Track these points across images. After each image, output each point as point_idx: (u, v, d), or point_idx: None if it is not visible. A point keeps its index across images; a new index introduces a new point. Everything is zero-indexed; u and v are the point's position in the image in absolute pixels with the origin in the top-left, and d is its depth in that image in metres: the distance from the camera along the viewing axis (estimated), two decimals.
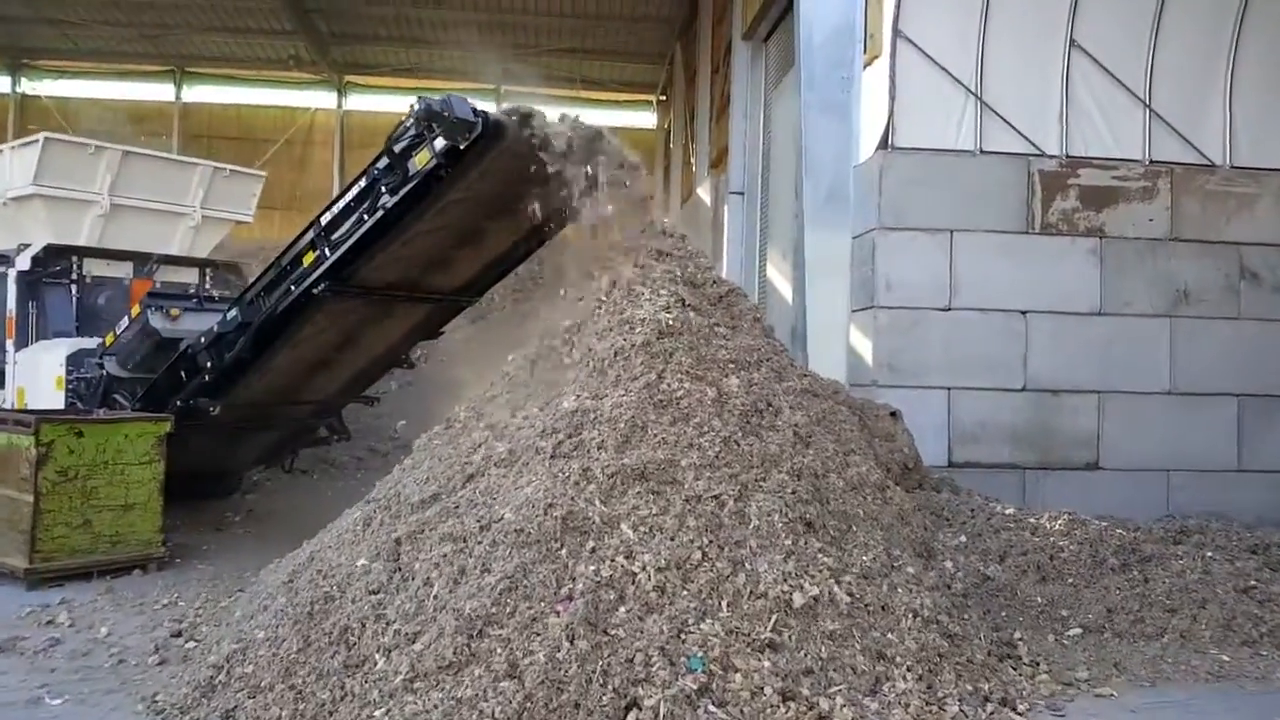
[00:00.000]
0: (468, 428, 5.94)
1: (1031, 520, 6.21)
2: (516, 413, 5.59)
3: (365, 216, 6.58)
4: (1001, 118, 9.50)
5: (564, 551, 4.51)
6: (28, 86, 25.63)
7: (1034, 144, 9.51)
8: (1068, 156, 9.44)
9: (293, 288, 7.04)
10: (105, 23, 22.35)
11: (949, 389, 9.17)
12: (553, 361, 5.83)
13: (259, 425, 8.57)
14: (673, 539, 4.58)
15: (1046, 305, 9.26)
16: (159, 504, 7.66)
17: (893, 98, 9.39)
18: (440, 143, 6.12)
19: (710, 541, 4.61)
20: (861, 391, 8.64)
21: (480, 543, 4.68)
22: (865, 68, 10.11)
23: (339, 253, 6.75)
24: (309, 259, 6.95)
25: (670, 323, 5.61)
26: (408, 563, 4.96)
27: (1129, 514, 8.19)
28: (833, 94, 10.53)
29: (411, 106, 5.99)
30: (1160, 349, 9.27)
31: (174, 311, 8.06)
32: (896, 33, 9.43)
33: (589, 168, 6.02)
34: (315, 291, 6.90)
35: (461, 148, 6.06)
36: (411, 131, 6.09)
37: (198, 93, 26.38)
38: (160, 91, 26.16)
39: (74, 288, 9.68)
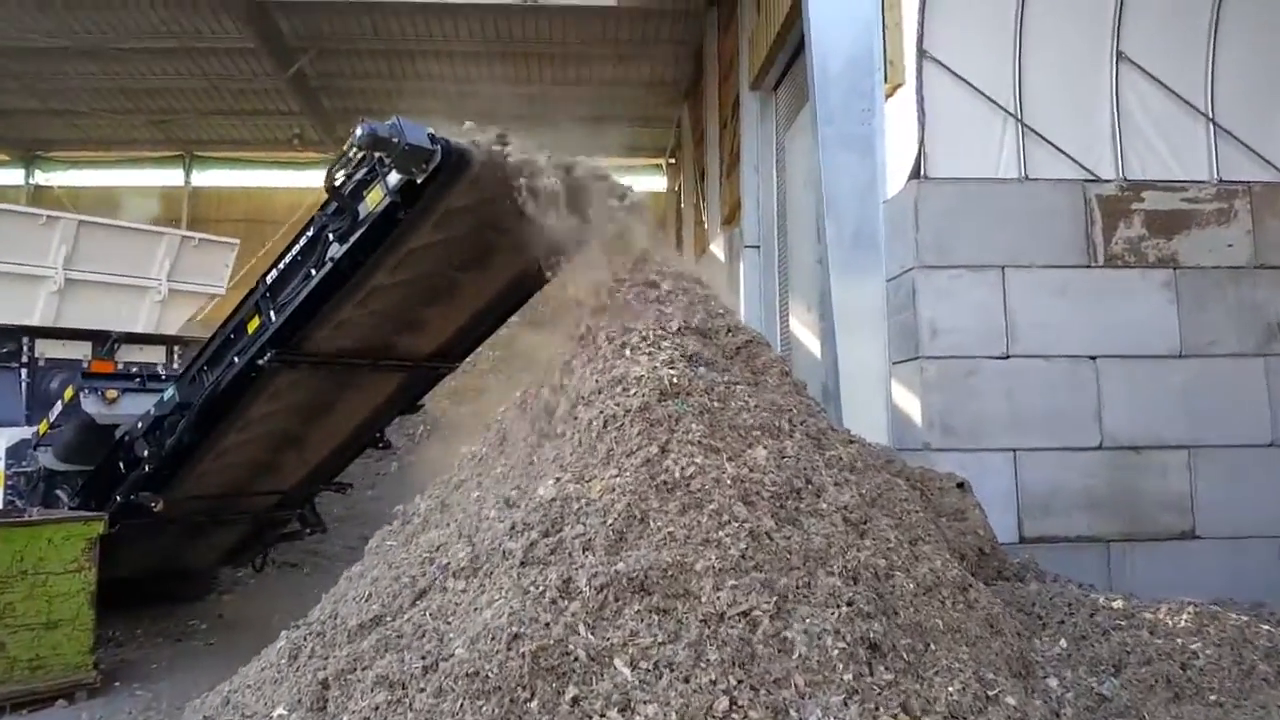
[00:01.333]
0: (428, 523, 4.61)
1: (1147, 615, 4.76)
2: (485, 503, 4.26)
3: (313, 271, 5.35)
4: (1046, 140, 8.21)
5: (534, 704, 3.12)
6: (41, 178, 25.03)
7: (1085, 167, 8.20)
8: (1126, 180, 8.12)
9: (236, 359, 5.77)
10: (113, 111, 21.64)
11: (1014, 450, 7.72)
12: (530, 435, 4.52)
13: (215, 520, 7.24)
14: (687, 680, 3.16)
15: (1118, 349, 7.81)
16: (90, 620, 6.28)
17: (922, 124, 8.14)
18: (394, 177, 4.89)
19: (740, 682, 3.18)
20: (910, 458, 7.24)
21: (422, 690, 3.31)
22: (887, 98, 8.92)
23: (285, 315, 5.50)
24: (253, 325, 5.70)
25: (674, 380, 4.29)
26: (335, 713, 3.60)
27: (1234, 591, 6.69)
28: (852, 127, 9.30)
29: (353, 132, 4.77)
30: (1255, 393, 7.78)
31: (110, 394, 6.80)
32: (922, 53, 8.22)
33: (573, 199, 4.80)
34: (261, 363, 5.64)
35: (419, 182, 4.84)
36: (354, 163, 4.87)
37: (207, 176, 25.64)
38: (170, 177, 25.46)
39: (24, 372, 8.45)
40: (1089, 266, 7.97)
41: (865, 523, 4.05)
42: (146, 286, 9.29)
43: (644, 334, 4.45)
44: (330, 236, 5.15)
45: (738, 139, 15.48)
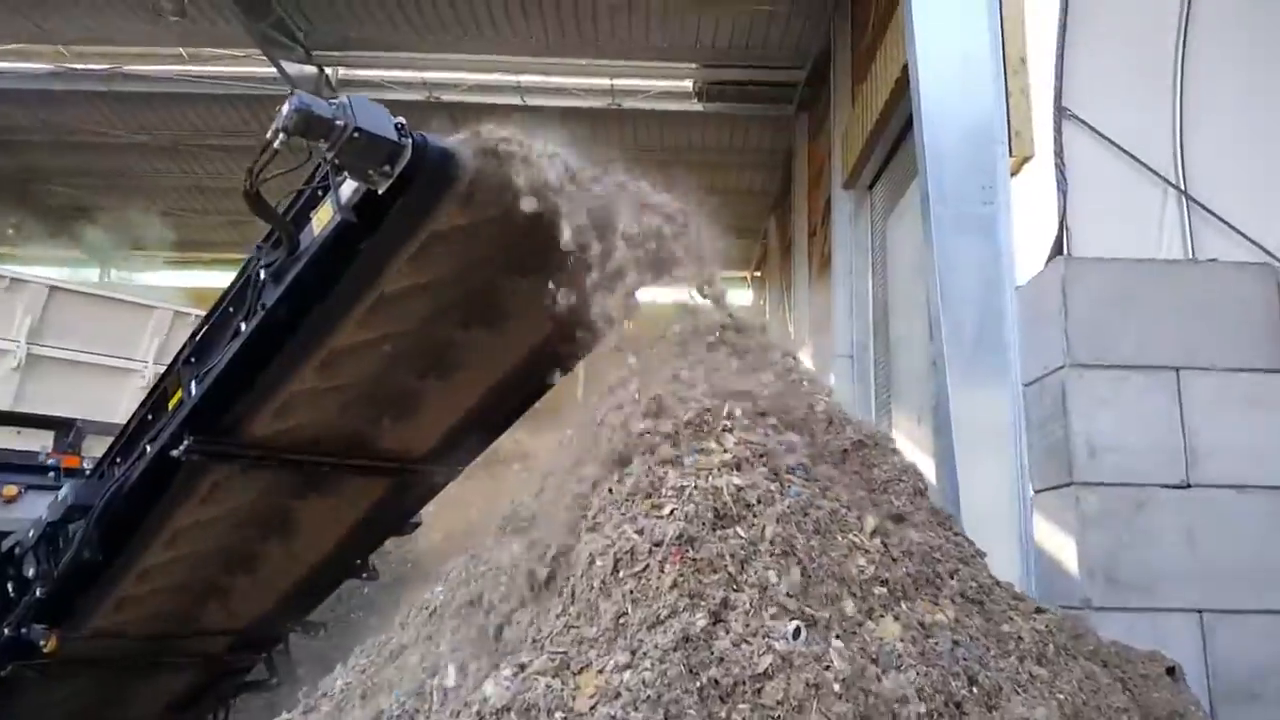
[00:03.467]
0: (340, 710, 2.82)
1: None
2: (408, 697, 2.46)
3: (242, 325, 3.75)
4: (1215, 215, 6.37)
5: None
6: (115, 277, 24.83)
7: (1265, 249, 6.30)
8: None
9: (148, 448, 4.17)
10: (190, 210, 21.38)
11: (1200, 611, 5.57)
12: (510, 584, 2.72)
13: (147, 665, 5.38)
14: None
15: None
16: None
17: (1064, 194, 6.39)
18: (349, 188, 3.31)
19: None
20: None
21: None
22: (1014, 174, 7.19)
23: (206, 388, 3.89)
24: (175, 400, 4.10)
25: (742, 494, 2.50)
26: None
27: None
28: (971, 207, 7.49)
29: (279, 110, 3.20)
30: None
31: (8, 490, 5.22)
32: (1061, 111, 6.53)
33: (601, 219, 3.14)
34: (175, 453, 4.02)
35: (381, 192, 3.24)
36: (283, 153, 3.28)
37: None
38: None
39: None
40: None
41: None
42: (131, 369, 7.75)
43: (693, 413, 2.67)
44: (262, 275, 3.55)
45: (829, 242, 13.93)
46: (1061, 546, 5.83)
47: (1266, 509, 5.71)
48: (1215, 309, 6.00)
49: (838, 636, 2.21)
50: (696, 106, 16.10)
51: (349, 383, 4.03)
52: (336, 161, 3.15)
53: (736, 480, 2.48)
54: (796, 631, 2.14)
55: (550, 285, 3.34)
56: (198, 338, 3.99)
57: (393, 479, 4.78)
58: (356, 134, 3.06)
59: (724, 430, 2.74)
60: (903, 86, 9.42)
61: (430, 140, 3.21)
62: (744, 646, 2.09)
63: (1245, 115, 6.45)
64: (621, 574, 2.30)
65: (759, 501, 2.46)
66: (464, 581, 3.06)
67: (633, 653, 2.11)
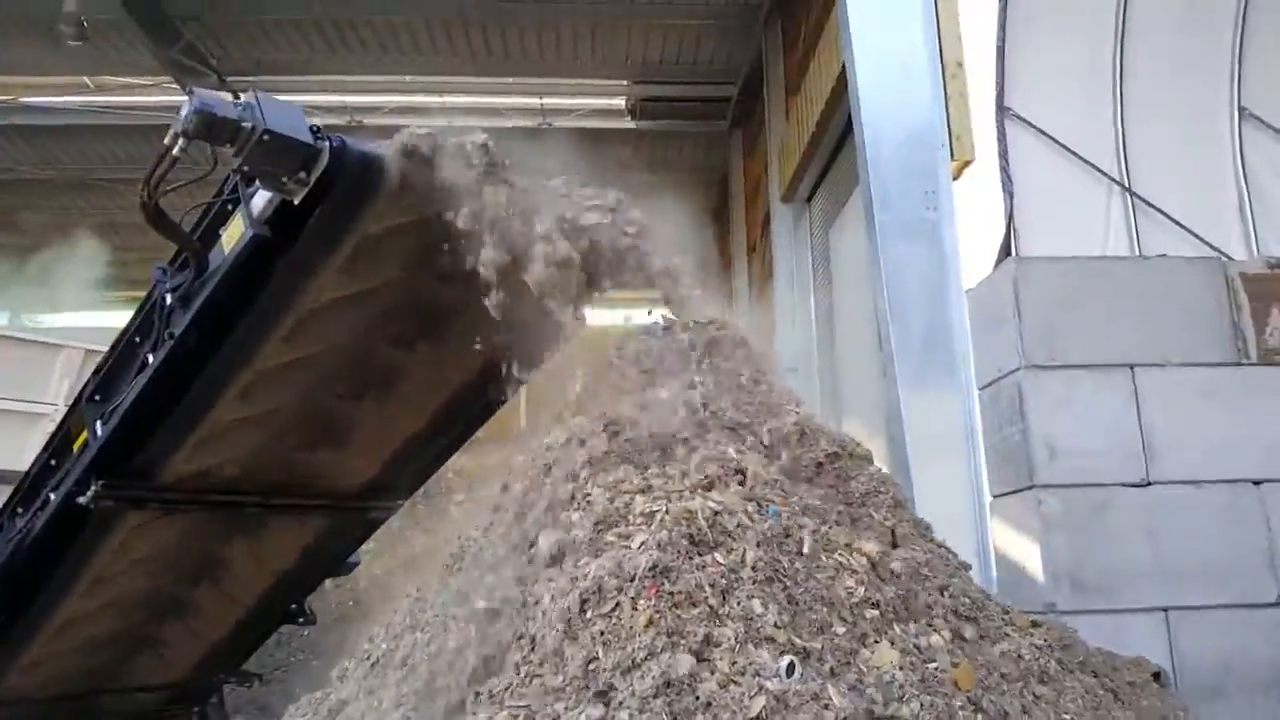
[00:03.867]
0: None
1: None
2: None
3: (149, 357, 3.42)
4: (1160, 211, 6.36)
5: None
6: (26, 320, 23.77)
7: (1208, 243, 6.32)
8: (1276, 256, 6.18)
9: (52, 496, 3.79)
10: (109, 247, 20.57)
11: (1165, 610, 5.48)
12: (453, 632, 2.44)
13: None
14: None
15: None
16: None
17: (1010, 195, 6.34)
18: (260, 199, 3.02)
19: None
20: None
21: None
22: (955, 178, 7.14)
23: (112, 427, 3.54)
24: (80, 442, 3.74)
25: (717, 518, 2.26)
26: None
27: None
28: (914, 213, 7.44)
29: (179, 113, 2.91)
30: None
31: None
32: (1004, 111, 6.49)
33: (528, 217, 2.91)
34: (82, 500, 3.65)
35: (296, 203, 2.96)
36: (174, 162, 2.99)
37: None
38: None
39: None
40: (1239, 364, 5.89)
41: None
42: (39, 412, 7.24)
43: (656, 431, 2.43)
44: (169, 300, 3.23)
45: (769, 257, 13.86)
46: (1024, 551, 5.70)
47: (1224, 502, 5.65)
48: (1166, 305, 5.95)
49: (832, 670, 1.98)
50: (629, 124, 15.93)
51: (272, 415, 3.72)
52: (245, 169, 2.86)
53: (712, 503, 2.25)
54: (790, 667, 1.91)
55: (490, 296, 3.08)
56: (102, 373, 3.63)
57: (326, 519, 4.44)
58: (266, 137, 2.78)
59: (690, 449, 2.51)
60: (837, 97, 9.37)
61: (349, 143, 2.94)
62: (732, 688, 1.85)
63: (1184, 112, 6.49)
64: (589, 614, 2.05)
65: (737, 524, 2.23)
66: (408, 629, 2.77)
67: (607, 703, 1.86)
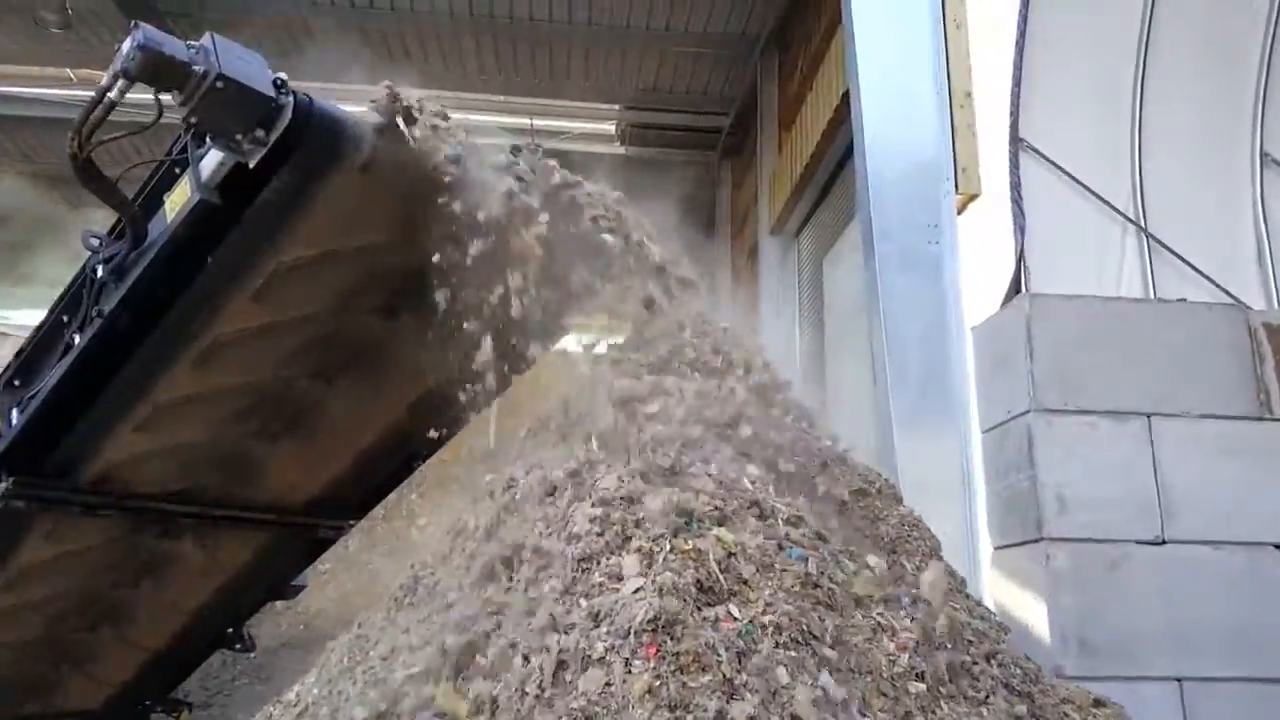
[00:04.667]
0: None
1: None
2: None
3: (75, 338, 2.94)
4: (1176, 255, 6.05)
5: None
6: None
7: (1224, 289, 6.01)
8: None
9: None
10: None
11: (1179, 680, 5.08)
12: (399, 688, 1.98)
13: None
14: None
15: None
16: None
17: (1021, 229, 6.00)
18: (212, 161, 2.58)
19: None
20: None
21: None
22: (959, 211, 6.81)
23: (29, 416, 3.06)
24: None
25: (728, 559, 1.83)
26: None
27: None
28: (917, 246, 7.10)
29: (118, 48, 2.48)
30: None
31: None
32: (1018, 142, 6.17)
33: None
34: None
35: (251, 166, 2.52)
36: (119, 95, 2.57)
37: None
38: None
39: None
40: (1261, 419, 5.54)
41: None
42: None
43: (655, 450, 1.99)
44: (100, 273, 2.77)
45: (756, 286, 13.56)
46: (1028, 609, 5.28)
47: (1242, 566, 5.27)
48: (1185, 352, 5.60)
49: None
50: (619, 149, 15.68)
51: (211, 411, 3.23)
52: (193, 120, 2.43)
53: (720, 545, 1.81)
54: None
55: (465, 294, 2.67)
56: (23, 355, 3.15)
57: (268, 534, 3.93)
58: (220, 84, 2.35)
59: (693, 475, 2.07)
60: (834, 128, 9.09)
61: (318, 102, 2.52)
62: None
63: (1204, 154, 6.20)
64: (569, 678, 1.59)
65: (757, 569, 1.80)
66: (345, 670, 2.30)
67: None
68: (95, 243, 2.87)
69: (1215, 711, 5.06)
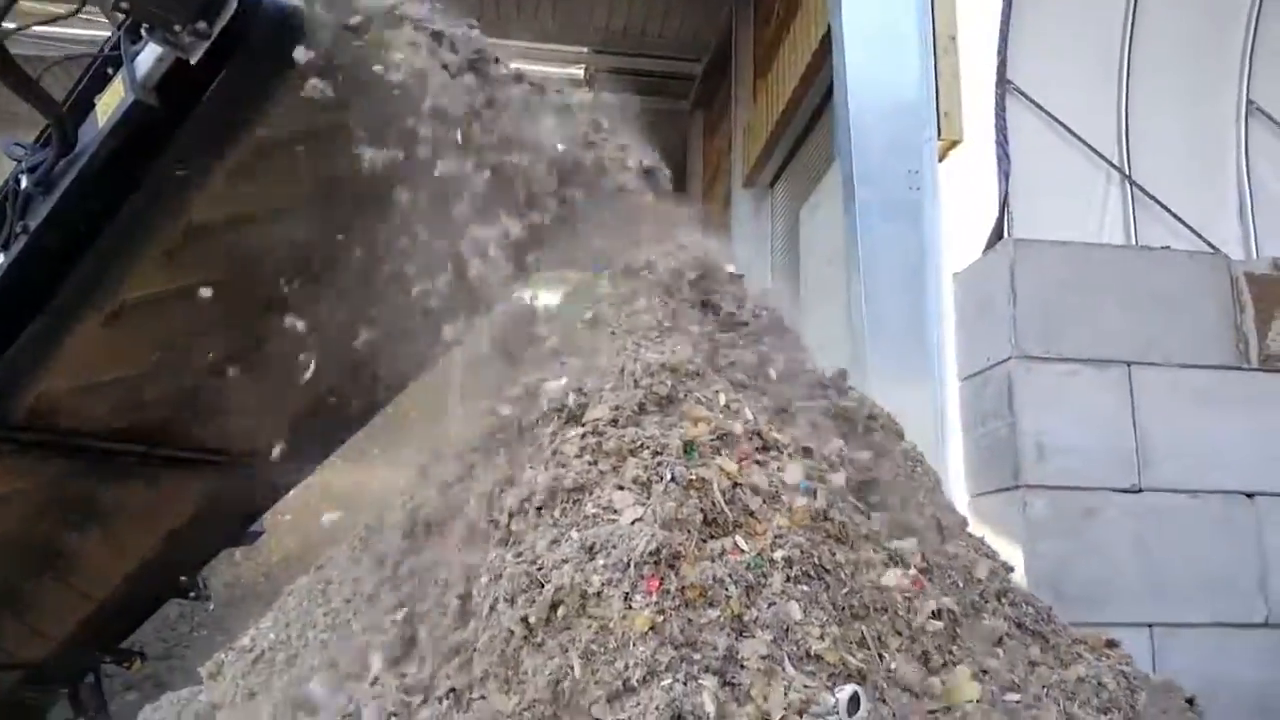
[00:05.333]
0: None
1: None
2: None
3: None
4: (1159, 203, 5.97)
5: None
6: None
7: (1206, 239, 5.96)
8: None
9: None
10: None
11: (1150, 626, 5.08)
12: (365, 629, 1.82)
13: None
14: None
15: None
16: None
17: (1005, 173, 5.88)
18: (149, 57, 2.34)
19: None
20: None
21: None
22: (941, 158, 6.66)
23: None
24: None
25: (734, 488, 1.67)
26: None
27: None
28: (897, 193, 6.96)
29: None
30: None
31: None
32: (1005, 84, 6.02)
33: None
34: None
35: (193, 62, 2.28)
36: None
37: None
38: None
39: None
40: (1240, 368, 5.49)
41: None
42: None
43: (654, 375, 1.82)
44: (24, 184, 2.52)
45: (728, 242, 13.39)
46: (1005, 555, 5.23)
47: (1216, 514, 5.26)
48: (1167, 300, 5.53)
49: (904, 707, 1.41)
50: (587, 95, 15.30)
51: (152, 340, 2.99)
52: (125, 7, 2.17)
53: (729, 469, 1.66)
54: (853, 700, 1.33)
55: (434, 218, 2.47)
56: None
57: (220, 477, 3.70)
58: None
59: (697, 401, 1.91)
60: (812, 74, 8.88)
61: None
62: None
63: (1190, 102, 6.09)
64: (562, 615, 1.44)
65: (764, 500, 1.65)
66: (303, 616, 2.13)
67: None
68: (20, 151, 2.60)
69: (1183, 656, 5.06)
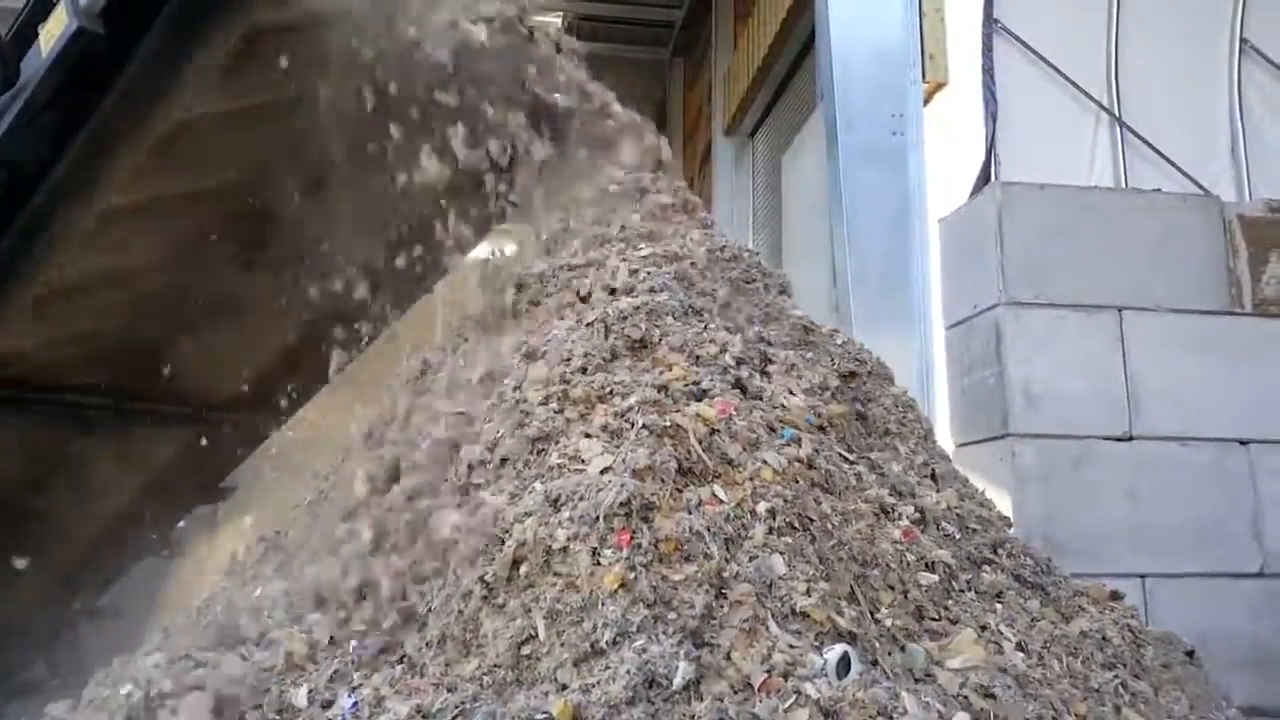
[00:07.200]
0: None
1: None
2: None
3: None
4: (1150, 145, 5.85)
5: None
6: None
7: (1197, 182, 5.86)
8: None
9: None
10: None
11: (1142, 576, 5.03)
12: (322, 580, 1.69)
13: None
14: None
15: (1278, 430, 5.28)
16: None
17: (993, 115, 5.73)
18: None
19: None
20: None
21: None
22: (926, 102, 6.50)
23: None
24: None
25: (709, 436, 1.55)
26: None
27: None
28: (880, 138, 6.80)
29: None
30: None
31: None
32: (992, 23, 5.86)
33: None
34: None
35: None
36: None
37: None
38: None
39: None
40: (1233, 313, 5.41)
41: None
42: None
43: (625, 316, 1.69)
44: None
45: (708, 193, 13.25)
46: (997, 503, 5.18)
47: (1209, 463, 5.19)
48: (1158, 244, 5.41)
49: (898, 669, 1.30)
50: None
51: (111, 295, 2.84)
52: None
53: (706, 415, 1.53)
54: (844, 662, 1.22)
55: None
56: None
57: (190, 430, 3.56)
58: None
59: (670, 348, 1.78)
60: (794, 18, 8.68)
61: None
62: (760, 697, 1.16)
63: (1181, 41, 5.95)
64: (525, 571, 1.32)
65: (744, 447, 1.53)
66: (256, 567, 2.00)
67: (549, 710, 1.15)
68: None
69: (1175, 606, 5.01)
